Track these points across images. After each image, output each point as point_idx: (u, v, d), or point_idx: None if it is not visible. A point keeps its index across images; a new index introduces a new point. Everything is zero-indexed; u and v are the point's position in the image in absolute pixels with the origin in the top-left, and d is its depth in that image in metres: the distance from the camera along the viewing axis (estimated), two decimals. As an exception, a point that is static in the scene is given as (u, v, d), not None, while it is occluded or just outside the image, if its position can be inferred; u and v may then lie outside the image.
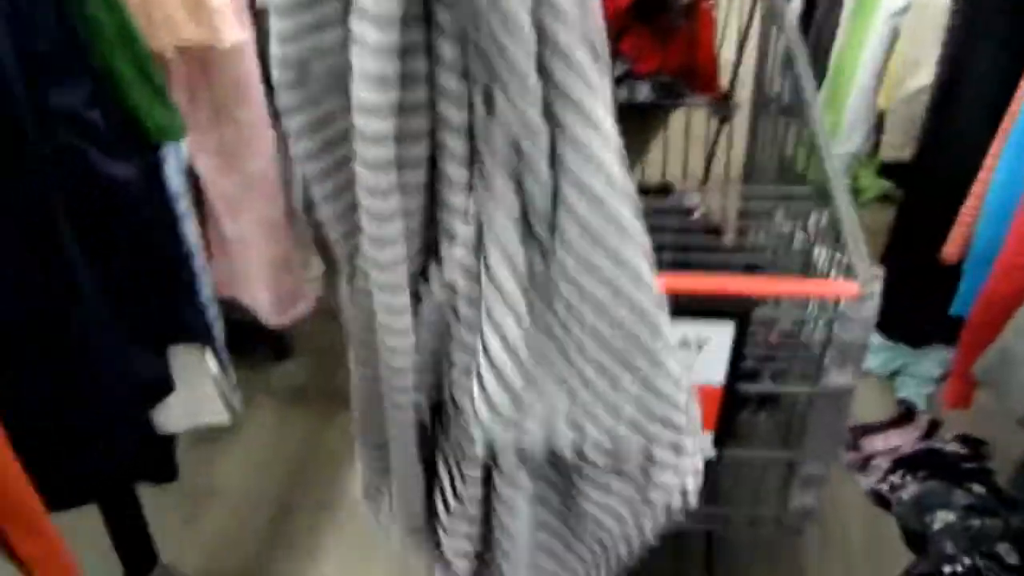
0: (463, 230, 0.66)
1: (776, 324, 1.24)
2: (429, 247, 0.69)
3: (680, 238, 1.36)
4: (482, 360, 0.67)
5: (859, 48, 2.26)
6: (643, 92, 1.77)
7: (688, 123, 1.83)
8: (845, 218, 1.16)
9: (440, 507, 0.79)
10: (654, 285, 0.66)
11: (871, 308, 1.04)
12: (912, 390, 2.08)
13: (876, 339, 2.07)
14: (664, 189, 1.77)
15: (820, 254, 1.36)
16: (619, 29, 1.72)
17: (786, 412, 1.25)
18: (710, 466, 1.38)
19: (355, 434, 0.87)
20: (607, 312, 0.65)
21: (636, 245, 0.65)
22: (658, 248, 1.36)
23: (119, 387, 1.28)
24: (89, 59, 1.22)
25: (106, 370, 1.25)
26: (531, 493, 0.74)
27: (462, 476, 0.74)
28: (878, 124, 2.27)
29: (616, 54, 1.74)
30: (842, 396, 1.08)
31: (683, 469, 0.73)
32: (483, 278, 0.66)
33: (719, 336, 1.05)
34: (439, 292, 0.68)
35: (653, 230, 1.37)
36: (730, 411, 1.10)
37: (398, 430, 0.74)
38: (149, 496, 1.67)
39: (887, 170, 2.27)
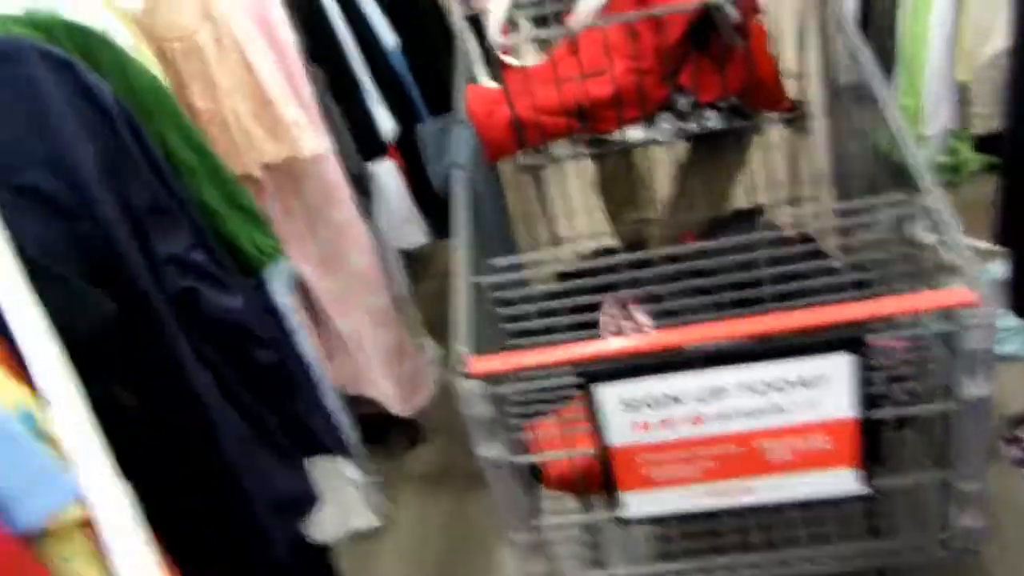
0: None
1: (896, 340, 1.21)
2: None
3: (778, 265, 1.34)
4: None
5: (925, 24, 2.19)
6: (712, 120, 1.75)
7: (765, 142, 1.80)
8: (942, 219, 1.12)
9: None
10: None
11: (990, 313, 1.01)
12: (1064, 370, 1.97)
13: (1013, 321, 1.98)
14: (754, 212, 1.75)
15: (929, 240, 1.30)
16: (674, 64, 1.72)
17: (929, 426, 1.21)
18: (863, 501, 1.35)
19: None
20: None
21: None
22: (756, 283, 1.36)
23: (265, 504, 1.34)
24: (185, 202, 1.30)
25: (250, 489, 1.31)
26: None
27: None
28: (964, 96, 2.20)
29: (678, 89, 1.73)
30: (980, 408, 1.04)
31: None
32: None
33: (837, 369, 1.03)
34: None
35: (748, 266, 1.37)
36: (870, 440, 1.07)
37: None
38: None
39: (983, 142, 2.18)
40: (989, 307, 1.00)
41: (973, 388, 1.03)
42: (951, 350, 1.06)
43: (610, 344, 1.03)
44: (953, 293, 1.01)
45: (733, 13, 1.57)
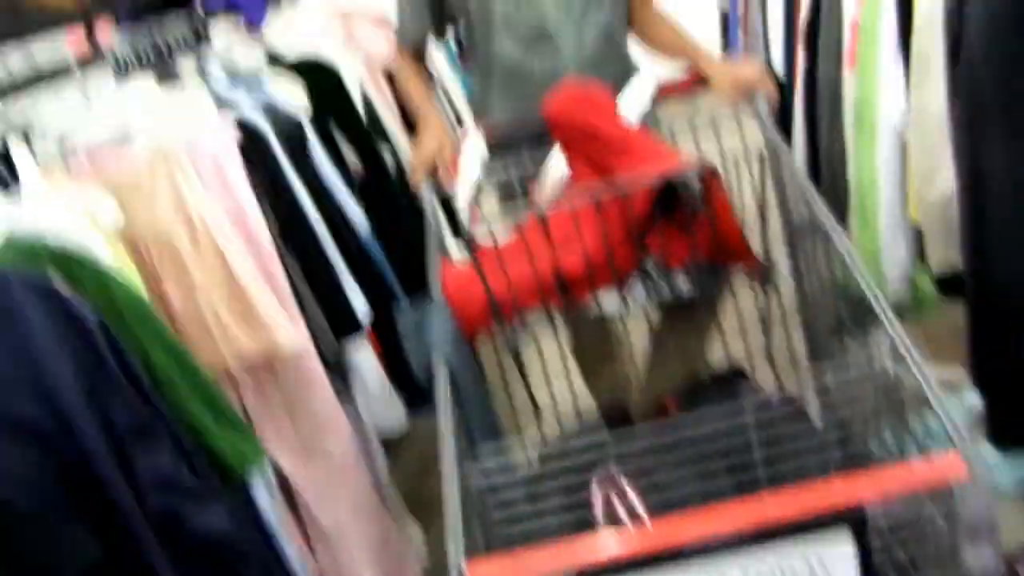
0: None
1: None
2: None
3: (762, 431, 1.35)
4: None
5: (872, 167, 2.28)
6: (681, 283, 1.79)
7: (736, 300, 1.84)
8: (923, 385, 1.13)
9: None
10: None
11: (986, 477, 1.01)
12: (1054, 501, 1.96)
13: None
14: (733, 375, 1.77)
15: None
16: (642, 232, 1.77)
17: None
18: None
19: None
20: None
21: None
22: (743, 448, 1.36)
23: None
24: (166, 417, 1.28)
25: None
26: None
27: None
28: (918, 234, 2.27)
29: (647, 256, 1.77)
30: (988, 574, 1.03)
31: None
32: None
33: (839, 547, 1.01)
34: None
35: (733, 433, 1.37)
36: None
37: None
38: None
39: (944, 283, 2.23)
40: (984, 473, 1.00)
41: (978, 556, 1.02)
42: (949, 517, 1.05)
43: (607, 546, 1.01)
44: (945, 464, 1.01)
45: (695, 183, 1.64)
